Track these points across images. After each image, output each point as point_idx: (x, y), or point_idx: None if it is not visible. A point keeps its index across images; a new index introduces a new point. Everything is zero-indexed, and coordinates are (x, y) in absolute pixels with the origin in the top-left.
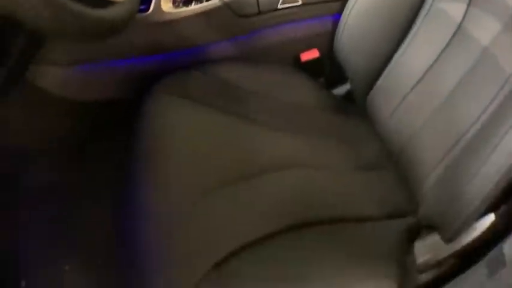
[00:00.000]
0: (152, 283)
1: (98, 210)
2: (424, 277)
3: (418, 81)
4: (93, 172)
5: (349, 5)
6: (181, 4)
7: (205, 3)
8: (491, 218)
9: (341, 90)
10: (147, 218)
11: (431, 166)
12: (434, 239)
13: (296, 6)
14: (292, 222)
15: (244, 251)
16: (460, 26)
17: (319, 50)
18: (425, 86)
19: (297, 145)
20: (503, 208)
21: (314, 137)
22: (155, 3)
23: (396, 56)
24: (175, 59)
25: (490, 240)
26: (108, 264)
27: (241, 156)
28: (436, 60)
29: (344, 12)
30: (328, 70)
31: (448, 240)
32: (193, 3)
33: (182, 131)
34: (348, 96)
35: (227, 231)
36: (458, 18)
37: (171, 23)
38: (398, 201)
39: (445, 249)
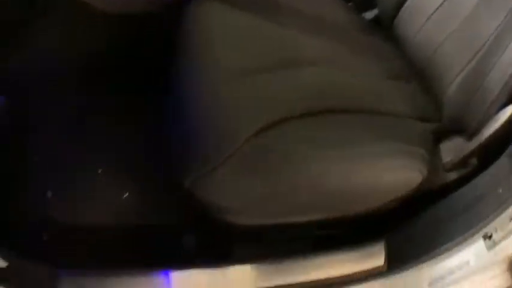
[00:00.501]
0: (197, 147)
1: (134, 118)
2: (451, 175)
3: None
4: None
5: None
6: None
7: None
8: (510, 109)
9: (369, 15)
10: (194, 92)
11: (454, 73)
12: (457, 139)
13: None
14: (327, 108)
15: (283, 123)
16: None
17: None
18: (451, 2)
19: (331, 50)
20: None
21: (346, 48)
22: None
23: None
24: None
25: (510, 133)
26: (143, 164)
27: (277, 51)
28: None
29: None
30: None
31: (471, 136)
32: None
33: (225, 28)
34: (375, 21)
35: (268, 104)
36: None
37: None
38: (424, 107)
39: (468, 146)
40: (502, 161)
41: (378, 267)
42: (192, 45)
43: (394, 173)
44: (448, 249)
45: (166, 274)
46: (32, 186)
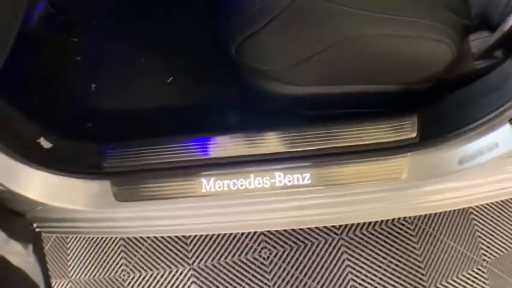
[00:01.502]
0: (242, 12)
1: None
2: (480, 64)
3: None
4: None
5: None
6: None
7: None
8: None
9: None
10: None
11: None
12: (484, 32)
13: None
14: None
15: None
16: None
17: None
18: None
19: None
20: None
21: None
22: None
23: None
24: None
25: None
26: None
27: None
28: None
29: None
30: None
31: (494, 28)
32: None
33: None
34: None
35: None
36: None
37: None
38: (457, 4)
39: (493, 37)
40: None
41: (411, 139)
42: None
43: (427, 44)
44: (475, 128)
45: (205, 140)
46: (76, 81)
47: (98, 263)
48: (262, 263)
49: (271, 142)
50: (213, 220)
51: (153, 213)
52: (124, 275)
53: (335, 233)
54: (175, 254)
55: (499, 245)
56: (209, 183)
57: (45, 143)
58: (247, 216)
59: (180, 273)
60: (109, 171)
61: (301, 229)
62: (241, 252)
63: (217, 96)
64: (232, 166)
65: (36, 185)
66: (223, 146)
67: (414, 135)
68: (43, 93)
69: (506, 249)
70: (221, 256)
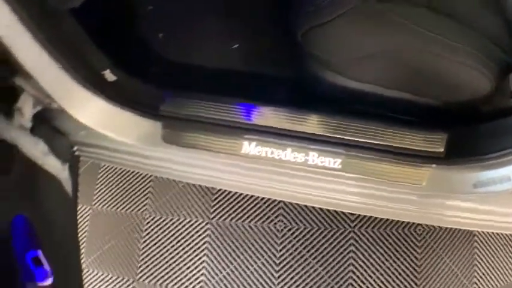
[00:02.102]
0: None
1: None
2: None
3: None
4: None
5: None
6: None
7: None
8: None
9: None
10: None
11: None
12: None
13: None
14: (433, 5)
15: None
16: None
17: None
18: None
19: None
20: None
21: None
22: None
23: None
24: None
25: None
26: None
27: None
28: None
29: None
30: None
31: None
32: None
33: None
34: None
35: None
36: None
37: None
38: (505, 40)
39: None
40: None
41: (438, 153)
42: None
43: (468, 72)
44: (496, 158)
45: (251, 107)
46: (146, 28)
47: (123, 198)
48: (275, 234)
49: (314, 123)
50: (243, 180)
51: (192, 161)
52: (145, 214)
53: (349, 225)
54: (198, 206)
55: (491, 278)
56: (250, 146)
57: (109, 76)
58: (274, 184)
59: (198, 225)
60: (163, 114)
61: (318, 212)
62: (259, 219)
63: (276, 70)
64: (273, 136)
65: (90, 111)
66: (271, 116)
67: (441, 150)
68: (116, 32)
69: (498, 284)
70: (240, 218)
